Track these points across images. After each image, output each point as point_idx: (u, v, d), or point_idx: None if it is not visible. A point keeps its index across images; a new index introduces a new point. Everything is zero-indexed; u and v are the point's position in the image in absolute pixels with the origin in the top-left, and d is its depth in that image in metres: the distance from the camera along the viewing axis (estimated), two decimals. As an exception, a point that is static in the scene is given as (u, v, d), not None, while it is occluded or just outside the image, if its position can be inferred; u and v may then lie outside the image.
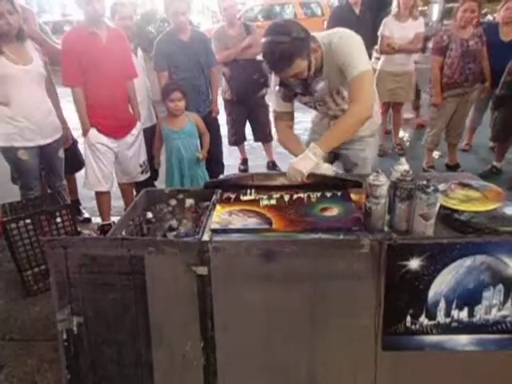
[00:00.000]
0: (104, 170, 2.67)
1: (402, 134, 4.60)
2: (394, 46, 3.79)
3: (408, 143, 4.63)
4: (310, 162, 1.50)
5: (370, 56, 4.18)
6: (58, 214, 2.30)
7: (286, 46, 1.44)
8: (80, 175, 3.06)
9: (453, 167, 3.77)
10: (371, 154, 1.95)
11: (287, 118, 1.82)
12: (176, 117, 2.68)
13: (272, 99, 1.86)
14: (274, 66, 1.54)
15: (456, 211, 1.25)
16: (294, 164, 1.50)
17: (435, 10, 11.25)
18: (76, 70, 2.42)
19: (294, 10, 10.79)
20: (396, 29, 3.80)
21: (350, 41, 1.57)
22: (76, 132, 2.83)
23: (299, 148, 1.71)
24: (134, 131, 2.71)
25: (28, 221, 2.21)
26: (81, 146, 2.87)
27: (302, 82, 1.59)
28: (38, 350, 1.92)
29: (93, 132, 2.56)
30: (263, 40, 1.50)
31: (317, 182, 1.51)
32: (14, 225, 2.18)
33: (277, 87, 1.69)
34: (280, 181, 1.55)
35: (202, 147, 2.82)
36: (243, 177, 1.61)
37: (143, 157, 2.83)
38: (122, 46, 2.59)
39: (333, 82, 1.66)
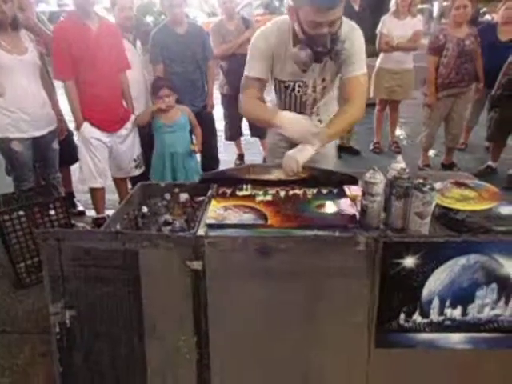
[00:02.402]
0: (99, 165, 2.64)
1: (398, 132, 4.61)
2: (393, 44, 3.78)
3: (404, 141, 4.65)
4: (306, 152, 1.50)
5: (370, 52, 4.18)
6: (51, 206, 2.29)
7: None
8: (75, 168, 3.04)
9: (448, 166, 3.79)
10: (330, 151, 1.89)
11: (259, 86, 1.63)
12: (167, 112, 2.67)
13: (248, 61, 1.62)
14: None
15: (452, 210, 1.25)
16: (289, 153, 1.51)
17: (436, 8, 11.27)
18: (67, 63, 2.38)
19: (293, 4, 10.70)
20: (394, 26, 3.79)
21: (360, 38, 1.55)
22: (71, 124, 2.81)
23: (269, 111, 1.62)
24: (128, 125, 2.68)
25: (21, 212, 2.20)
26: (76, 139, 2.84)
27: (331, 38, 1.46)
28: (31, 342, 1.91)
29: (86, 126, 2.53)
30: None
31: (312, 178, 1.51)
32: (7, 216, 2.16)
33: (294, 49, 1.49)
34: (277, 174, 1.54)
35: (194, 140, 2.82)
36: (240, 169, 1.61)
37: (137, 151, 2.80)
38: (114, 37, 2.54)
39: (327, 66, 1.62)
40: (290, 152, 1.51)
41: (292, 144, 1.61)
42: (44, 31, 2.69)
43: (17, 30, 2.30)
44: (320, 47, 1.46)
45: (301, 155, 1.49)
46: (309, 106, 1.75)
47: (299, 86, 1.68)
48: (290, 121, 1.52)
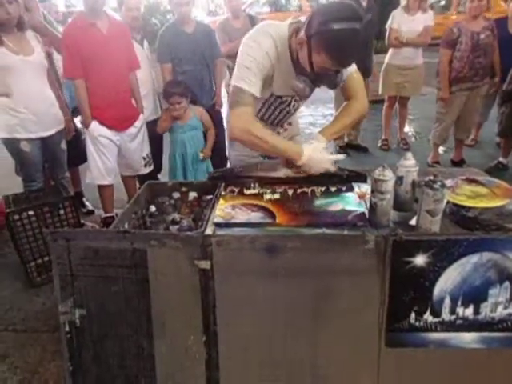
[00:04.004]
0: (107, 163, 2.66)
1: (407, 128, 4.56)
2: (402, 39, 3.74)
3: (413, 138, 4.60)
4: (316, 147, 1.50)
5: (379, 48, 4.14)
6: (61, 205, 2.30)
7: (364, 30, 1.27)
8: (83, 167, 3.06)
9: (458, 163, 3.74)
10: None
11: (254, 104, 1.47)
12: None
13: (245, 73, 1.43)
14: (356, 56, 1.36)
15: (463, 207, 1.23)
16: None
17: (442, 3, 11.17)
18: (77, 62, 2.39)
19: (300, 2, 10.68)
20: (404, 21, 3.74)
21: None
22: (80, 124, 2.82)
23: (291, 146, 1.48)
24: (137, 123, 2.70)
25: (31, 212, 2.22)
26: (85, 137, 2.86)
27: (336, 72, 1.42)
28: (41, 341, 1.93)
29: (94, 125, 2.55)
30: (344, 26, 1.23)
31: (320, 175, 1.50)
32: (17, 216, 2.19)
33: (296, 82, 1.42)
34: (285, 171, 1.53)
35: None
36: (248, 166, 1.60)
37: (146, 149, 2.82)
38: (124, 36, 2.56)
39: None
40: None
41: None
42: (51, 31, 2.71)
43: (23, 31, 2.31)
44: (323, 84, 1.44)
45: (310, 150, 1.49)
46: (291, 115, 1.75)
47: (295, 101, 1.65)
48: (313, 161, 1.45)
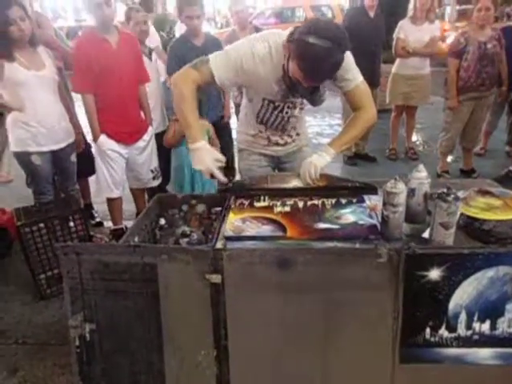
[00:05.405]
0: (115, 176, 2.67)
1: (414, 137, 4.54)
2: (409, 49, 3.74)
3: (421, 147, 4.57)
4: (323, 159, 1.54)
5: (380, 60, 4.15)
6: (71, 218, 2.31)
7: (341, 57, 1.33)
8: (93, 179, 3.08)
9: (468, 172, 3.70)
10: None
11: (208, 80, 1.51)
12: None
13: (226, 55, 1.52)
14: (324, 76, 1.40)
15: (477, 220, 1.21)
16: (308, 160, 1.54)
17: (447, 12, 11.23)
18: (87, 77, 2.42)
19: (305, 13, 10.78)
20: (411, 32, 3.75)
21: (346, 58, 1.42)
22: (89, 136, 2.85)
23: (196, 125, 1.50)
24: (146, 137, 2.71)
25: (42, 225, 2.23)
26: (93, 150, 2.88)
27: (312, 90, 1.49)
28: (51, 354, 1.92)
29: (103, 138, 2.56)
30: (319, 43, 1.26)
31: (331, 187, 1.49)
32: (28, 229, 2.20)
33: (275, 86, 1.52)
34: (295, 183, 1.54)
35: None
36: (257, 178, 1.60)
37: (155, 162, 2.82)
38: (133, 50, 2.58)
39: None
40: (308, 159, 1.54)
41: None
42: (61, 46, 2.75)
43: (35, 47, 2.35)
44: (299, 95, 1.51)
45: (319, 161, 1.52)
46: (291, 124, 1.76)
47: (288, 107, 1.67)
48: (199, 154, 1.49)
